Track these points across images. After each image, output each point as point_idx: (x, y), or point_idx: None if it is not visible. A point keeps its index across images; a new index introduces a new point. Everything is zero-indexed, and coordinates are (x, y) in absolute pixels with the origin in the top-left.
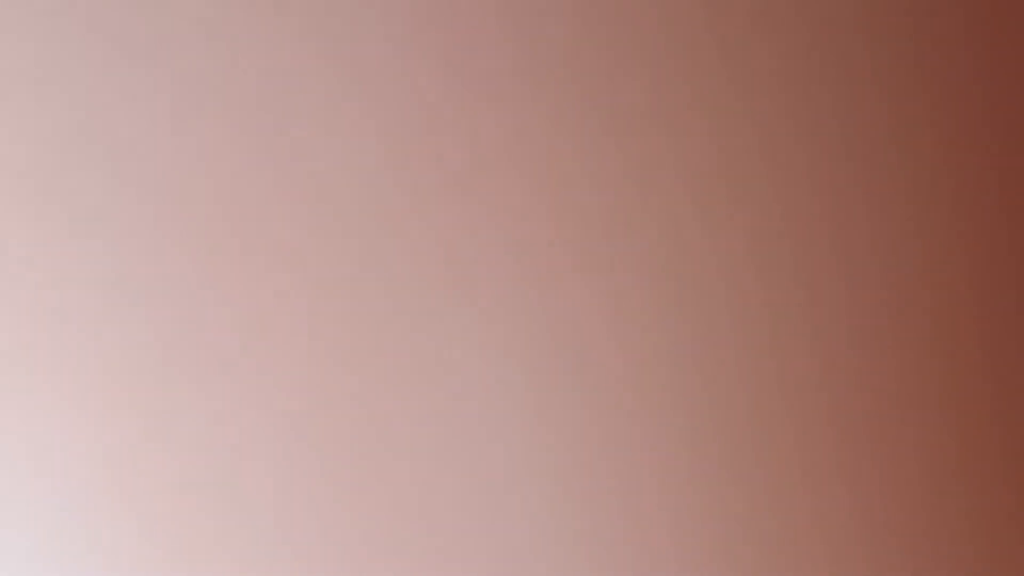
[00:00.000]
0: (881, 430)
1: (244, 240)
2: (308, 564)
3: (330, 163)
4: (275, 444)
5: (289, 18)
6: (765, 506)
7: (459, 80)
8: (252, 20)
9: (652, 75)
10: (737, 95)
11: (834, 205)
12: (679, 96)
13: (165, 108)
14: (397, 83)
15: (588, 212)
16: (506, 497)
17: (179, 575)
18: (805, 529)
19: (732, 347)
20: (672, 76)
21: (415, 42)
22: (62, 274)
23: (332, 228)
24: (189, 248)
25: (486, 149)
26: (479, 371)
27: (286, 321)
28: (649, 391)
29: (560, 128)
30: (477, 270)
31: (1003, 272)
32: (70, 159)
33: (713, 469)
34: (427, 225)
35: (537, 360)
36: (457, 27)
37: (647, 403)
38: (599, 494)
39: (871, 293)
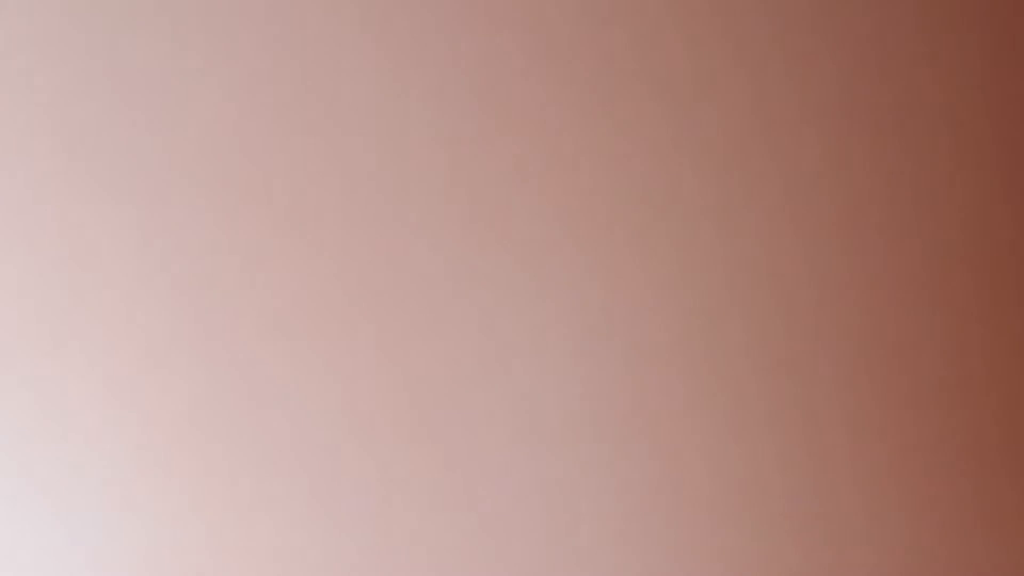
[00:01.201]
0: (922, 412)
1: (272, 223)
2: (336, 549)
3: (361, 146)
4: (300, 432)
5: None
6: (808, 487)
7: (493, 62)
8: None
9: (668, 72)
10: (749, 88)
11: (855, 188)
12: (700, 92)
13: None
14: (423, 69)
15: (630, 198)
16: (545, 483)
17: (208, 561)
18: (851, 517)
19: (774, 331)
20: (685, 72)
21: (441, 35)
22: (90, 255)
23: (366, 210)
24: (207, 245)
25: (526, 136)
26: (526, 355)
27: (316, 306)
28: (695, 376)
29: (593, 115)
30: (519, 256)
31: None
32: (108, 138)
33: (758, 459)
34: (468, 212)
35: (580, 347)
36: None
37: (692, 389)
38: (641, 482)
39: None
